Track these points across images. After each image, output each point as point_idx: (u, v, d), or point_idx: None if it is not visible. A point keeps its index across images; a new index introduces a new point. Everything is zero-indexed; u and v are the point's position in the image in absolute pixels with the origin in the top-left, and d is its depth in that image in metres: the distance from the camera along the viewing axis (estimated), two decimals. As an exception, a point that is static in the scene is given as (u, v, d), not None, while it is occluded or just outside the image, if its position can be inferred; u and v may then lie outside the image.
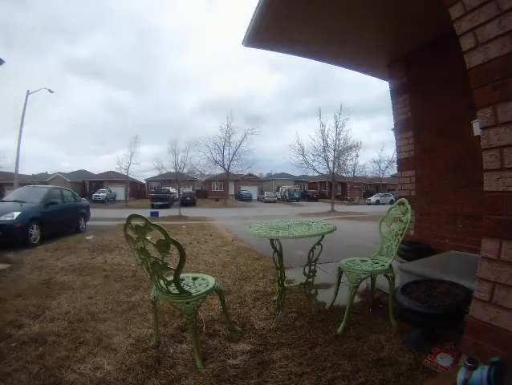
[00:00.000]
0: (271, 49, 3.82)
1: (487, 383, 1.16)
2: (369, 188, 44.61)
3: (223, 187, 37.10)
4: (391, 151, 31.94)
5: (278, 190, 40.74)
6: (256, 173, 42.24)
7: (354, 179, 33.21)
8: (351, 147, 22.75)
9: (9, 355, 1.85)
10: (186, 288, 1.89)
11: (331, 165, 21.44)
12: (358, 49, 3.70)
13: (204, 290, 1.91)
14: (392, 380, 1.57)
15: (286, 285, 2.54)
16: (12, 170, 17.32)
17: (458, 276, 2.09)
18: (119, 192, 32.46)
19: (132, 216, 1.74)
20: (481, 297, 1.40)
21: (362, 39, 3.43)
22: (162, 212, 15.43)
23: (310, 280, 2.62)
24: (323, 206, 24.93)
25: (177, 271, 1.74)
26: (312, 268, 2.61)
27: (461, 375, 1.21)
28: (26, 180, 26.18)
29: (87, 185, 38.72)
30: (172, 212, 16.93)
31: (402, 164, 3.84)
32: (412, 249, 3.18)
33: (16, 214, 5.80)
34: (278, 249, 2.32)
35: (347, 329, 2.14)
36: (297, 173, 38.06)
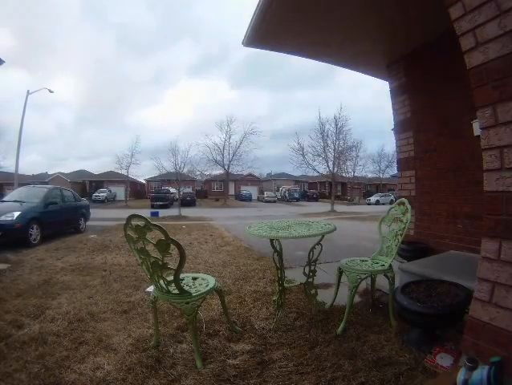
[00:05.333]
0: (271, 49, 3.82)
1: (487, 383, 1.16)
2: (369, 188, 44.63)
3: (223, 187, 37.04)
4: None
5: (278, 190, 40.75)
6: (256, 173, 42.24)
7: (354, 179, 33.23)
8: (351, 148, 22.76)
9: (9, 355, 1.85)
10: (186, 288, 1.89)
11: (330, 165, 21.45)
12: (357, 50, 3.69)
13: (204, 290, 1.91)
14: (391, 380, 1.57)
15: (286, 285, 2.54)
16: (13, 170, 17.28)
17: (458, 276, 2.09)
18: (119, 192, 32.48)
19: (132, 216, 1.74)
20: (481, 297, 1.40)
21: (360, 40, 3.42)
22: (162, 213, 15.42)
23: (310, 280, 2.62)
24: (322, 206, 24.93)
25: (177, 271, 1.74)
26: (312, 268, 2.61)
27: (461, 375, 1.22)
28: (26, 180, 26.21)
29: (87, 185, 38.76)
30: (172, 212, 16.92)
31: (402, 164, 3.84)
32: (411, 249, 3.18)
33: (16, 214, 5.79)
34: (278, 249, 2.32)
35: (347, 329, 2.14)
36: (297, 173, 38.21)
